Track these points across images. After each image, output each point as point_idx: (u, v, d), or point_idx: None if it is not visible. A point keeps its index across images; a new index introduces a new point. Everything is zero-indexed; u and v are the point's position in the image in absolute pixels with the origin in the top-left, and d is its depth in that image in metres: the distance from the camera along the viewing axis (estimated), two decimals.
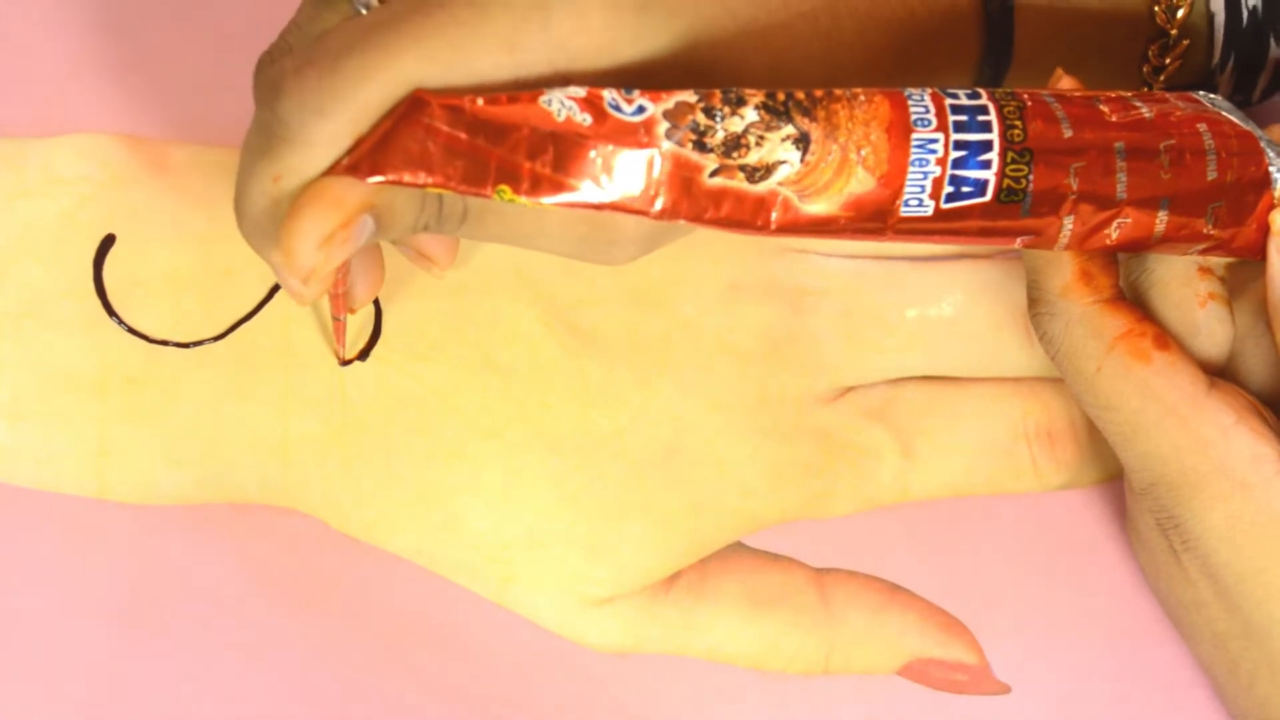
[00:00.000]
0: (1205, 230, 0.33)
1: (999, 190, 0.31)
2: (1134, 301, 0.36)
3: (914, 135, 0.31)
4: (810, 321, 0.41)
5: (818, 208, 0.31)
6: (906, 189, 0.31)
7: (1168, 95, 0.34)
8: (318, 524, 0.40)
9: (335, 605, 0.40)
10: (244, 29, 0.44)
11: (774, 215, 0.31)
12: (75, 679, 0.40)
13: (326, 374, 0.40)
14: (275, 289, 0.41)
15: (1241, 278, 0.36)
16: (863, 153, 0.31)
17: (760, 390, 0.41)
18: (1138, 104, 0.33)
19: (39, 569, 0.40)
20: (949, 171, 0.31)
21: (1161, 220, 0.33)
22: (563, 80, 0.31)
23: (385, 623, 0.40)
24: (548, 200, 0.30)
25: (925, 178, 0.31)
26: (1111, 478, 0.42)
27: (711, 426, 0.40)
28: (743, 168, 0.31)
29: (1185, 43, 0.39)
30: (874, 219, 0.31)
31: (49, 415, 0.40)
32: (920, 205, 0.31)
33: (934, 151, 0.31)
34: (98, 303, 0.40)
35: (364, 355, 0.40)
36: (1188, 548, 0.34)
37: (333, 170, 0.31)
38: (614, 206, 0.30)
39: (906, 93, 0.32)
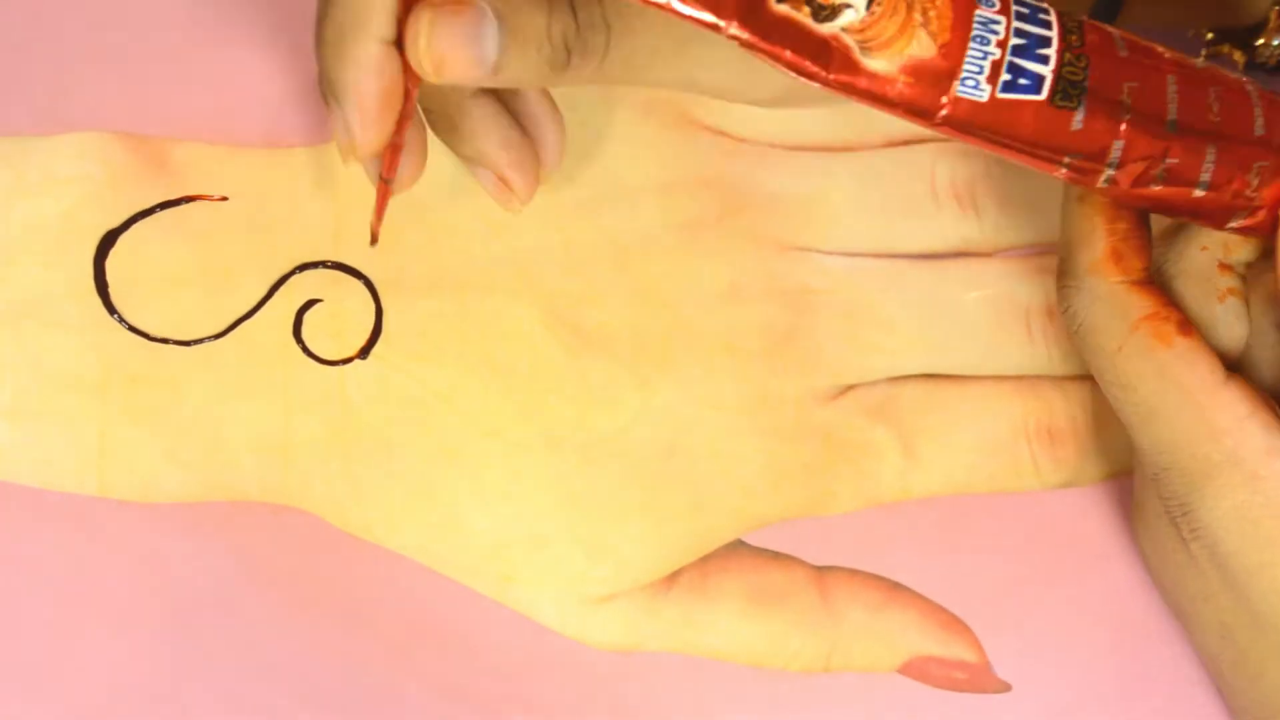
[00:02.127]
0: (1249, 191, 0.33)
1: (1054, 89, 0.32)
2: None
3: (978, 11, 0.31)
4: (811, 320, 0.41)
5: (877, 65, 0.31)
6: (965, 65, 0.31)
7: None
8: (318, 522, 0.40)
9: (336, 603, 0.40)
10: (246, 28, 0.44)
11: (834, 66, 0.31)
12: (75, 679, 0.40)
13: (327, 373, 0.40)
14: (275, 287, 0.41)
15: (1254, 273, 0.36)
16: (928, 14, 0.31)
17: (761, 389, 0.41)
18: (1189, 57, 0.33)
19: (39, 568, 0.40)
20: (1008, 57, 0.31)
21: (1208, 168, 0.33)
22: None
23: (386, 621, 0.40)
24: None
25: (984, 58, 0.31)
26: (1112, 476, 0.42)
27: (712, 425, 0.40)
28: (809, 2, 0.31)
29: None
30: (930, 91, 0.31)
31: (49, 414, 0.40)
32: (976, 88, 0.31)
33: (995, 32, 0.31)
34: (98, 301, 0.40)
35: (364, 354, 0.40)
36: (1196, 536, 0.34)
37: None
38: (681, 12, 0.30)
39: None
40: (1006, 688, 0.41)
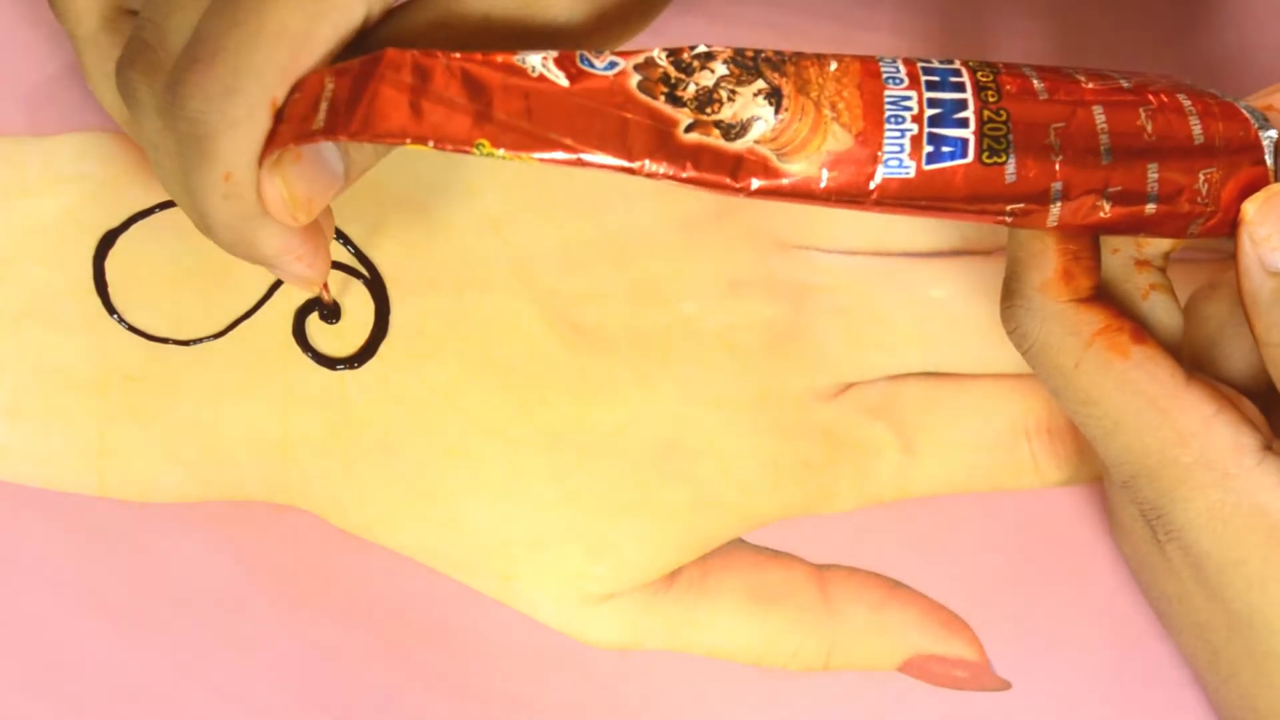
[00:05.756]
0: (1200, 199, 0.33)
1: (980, 150, 0.31)
2: None
3: (887, 92, 0.31)
4: (811, 318, 0.41)
5: (797, 167, 0.31)
6: (885, 147, 0.31)
7: (1145, 72, 0.34)
8: (318, 521, 0.40)
9: (336, 602, 0.40)
10: None
11: (754, 178, 0.31)
12: (75, 678, 0.40)
13: (327, 372, 0.40)
14: (275, 286, 0.41)
15: (1218, 270, 0.36)
16: (837, 108, 0.31)
17: (761, 387, 0.41)
18: (1115, 76, 0.33)
19: (39, 567, 0.40)
20: (926, 129, 0.31)
21: (1153, 185, 0.32)
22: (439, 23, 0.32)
23: (386, 620, 0.40)
24: (528, 155, 0.30)
25: (903, 135, 0.31)
26: None
27: (712, 423, 0.40)
28: (718, 124, 0.31)
29: None
30: (856, 179, 0.31)
31: (49, 413, 0.40)
32: (901, 166, 0.31)
33: (909, 109, 0.31)
34: (98, 301, 0.41)
35: (368, 352, 0.40)
36: (1171, 538, 0.34)
37: (300, 138, 0.31)
38: (593, 164, 0.30)
39: (877, 57, 0.32)
40: (1006, 686, 0.41)
